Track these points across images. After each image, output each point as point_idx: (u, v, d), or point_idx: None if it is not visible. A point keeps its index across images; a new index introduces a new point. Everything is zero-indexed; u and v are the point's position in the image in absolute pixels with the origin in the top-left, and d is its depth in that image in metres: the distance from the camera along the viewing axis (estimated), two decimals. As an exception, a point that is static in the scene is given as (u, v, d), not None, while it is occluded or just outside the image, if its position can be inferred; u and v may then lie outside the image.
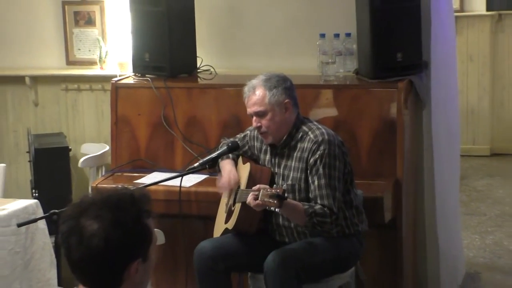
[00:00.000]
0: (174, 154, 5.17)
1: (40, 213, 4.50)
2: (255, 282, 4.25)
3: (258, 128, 4.23)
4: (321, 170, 4.09)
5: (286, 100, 4.20)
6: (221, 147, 4.48)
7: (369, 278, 4.59)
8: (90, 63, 5.88)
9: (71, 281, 2.39)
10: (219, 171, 4.43)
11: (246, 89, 4.25)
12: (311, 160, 4.12)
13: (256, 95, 4.19)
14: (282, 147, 4.27)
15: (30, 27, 5.95)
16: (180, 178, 4.41)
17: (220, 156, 4.37)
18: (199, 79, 5.30)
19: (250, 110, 4.23)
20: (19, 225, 4.15)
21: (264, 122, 4.19)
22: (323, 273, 4.20)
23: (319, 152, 4.11)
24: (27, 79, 5.99)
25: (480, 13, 8.71)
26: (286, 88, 4.22)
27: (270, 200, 3.77)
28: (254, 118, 4.22)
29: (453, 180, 5.63)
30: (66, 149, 5.57)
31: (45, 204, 4.62)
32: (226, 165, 4.40)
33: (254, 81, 4.24)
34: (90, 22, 5.86)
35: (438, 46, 5.14)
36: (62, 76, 5.96)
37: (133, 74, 5.38)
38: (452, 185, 5.58)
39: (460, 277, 5.58)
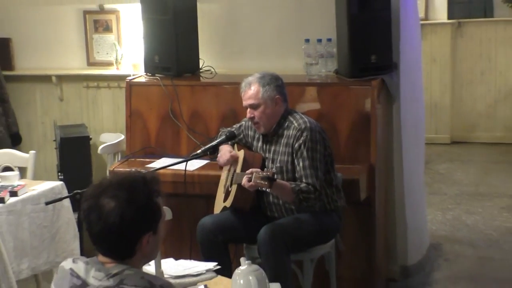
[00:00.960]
0: (180, 142, 5.15)
1: (65, 193, 4.51)
2: (249, 252, 4.25)
3: (252, 118, 4.23)
4: (305, 153, 4.09)
5: (277, 96, 4.19)
6: (220, 136, 4.49)
7: (347, 248, 4.60)
8: (108, 64, 5.87)
9: (92, 251, 2.38)
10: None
11: (243, 84, 4.24)
12: (296, 145, 4.12)
13: (252, 90, 4.19)
14: (272, 135, 4.26)
15: (56, 33, 5.94)
16: (185, 163, 4.42)
17: (219, 144, 4.39)
18: (201, 78, 5.28)
19: (245, 103, 4.22)
20: (47, 203, 4.14)
21: (257, 113, 4.19)
22: (308, 244, 4.21)
23: (302, 138, 4.11)
24: (53, 78, 5.98)
25: (442, 21, 8.71)
26: (278, 85, 4.21)
27: (262, 181, 3.79)
28: (249, 109, 4.21)
29: (419, 164, 5.63)
30: (87, 138, 5.57)
31: (69, 185, 4.64)
32: (226, 147, 4.42)
33: (250, 78, 4.23)
34: (107, 29, 5.84)
35: (406, 50, 5.13)
36: (84, 76, 5.95)
37: (145, 73, 5.35)
38: (417, 168, 5.58)
39: (425, 247, 5.59)
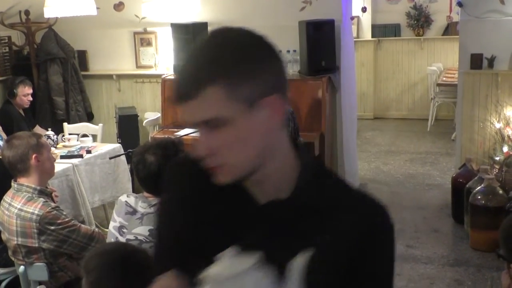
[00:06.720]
0: (197, 118, 5.10)
1: (122, 151, 4.47)
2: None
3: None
4: (280, 127, 4.06)
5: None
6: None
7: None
8: (149, 67, 5.79)
9: (139, 190, 2.37)
10: None
11: None
12: (275, 122, 4.08)
13: None
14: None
15: (115, 47, 5.84)
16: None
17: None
18: (211, 76, 5.21)
19: None
20: (110, 158, 4.14)
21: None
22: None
23: (279, 117, 4.07)
24: (114, 76, 5.90)
25: (367, 39, 8.64)
26: None
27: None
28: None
29: (353, 132, 5.60)
30: (136, 116, 5.52)
31: (125, 146, 4.61)
32: None
33: None
34: (149, 44, 5.75)
35: (345, 57, 5.09)
36: (134, 74, 5.86)
37: (174, 73, 5.29)
38: (352, 134, 5.55)
39: (356, 186, 5.58)
